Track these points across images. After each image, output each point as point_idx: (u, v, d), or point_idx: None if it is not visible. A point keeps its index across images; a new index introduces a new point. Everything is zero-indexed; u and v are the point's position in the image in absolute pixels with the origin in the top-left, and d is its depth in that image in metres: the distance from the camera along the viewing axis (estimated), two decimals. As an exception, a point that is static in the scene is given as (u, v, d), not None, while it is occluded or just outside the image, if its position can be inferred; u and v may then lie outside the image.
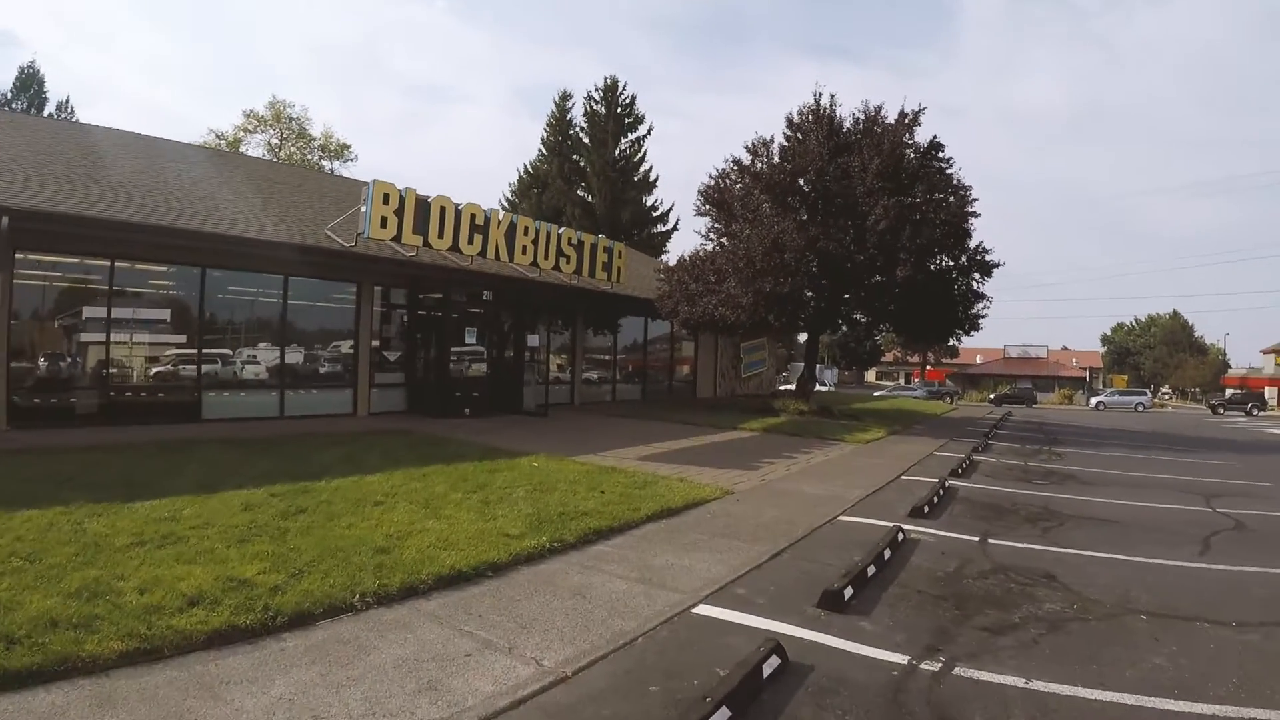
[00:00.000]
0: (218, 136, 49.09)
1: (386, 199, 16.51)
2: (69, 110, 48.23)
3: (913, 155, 21.92)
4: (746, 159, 23.71)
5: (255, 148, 49.27)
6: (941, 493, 10.87)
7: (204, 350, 16.01)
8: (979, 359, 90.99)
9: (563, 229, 20.66)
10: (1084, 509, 10.84)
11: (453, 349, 18.56)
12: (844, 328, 27.34)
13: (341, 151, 51.61)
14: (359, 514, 8.21)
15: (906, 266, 20.33)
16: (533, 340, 20.12)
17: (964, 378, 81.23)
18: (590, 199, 45.42)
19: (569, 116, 47.73)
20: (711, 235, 24.79)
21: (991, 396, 62.14)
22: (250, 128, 49.77)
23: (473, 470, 11.11)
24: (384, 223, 16.45)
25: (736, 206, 22.93)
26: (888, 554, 7.29)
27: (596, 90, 47.08)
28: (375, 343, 18.80)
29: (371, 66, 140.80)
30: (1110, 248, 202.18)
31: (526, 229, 19.15)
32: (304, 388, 17.66)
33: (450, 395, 18.35)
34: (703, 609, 5.86)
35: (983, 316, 23.26)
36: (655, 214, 46.48)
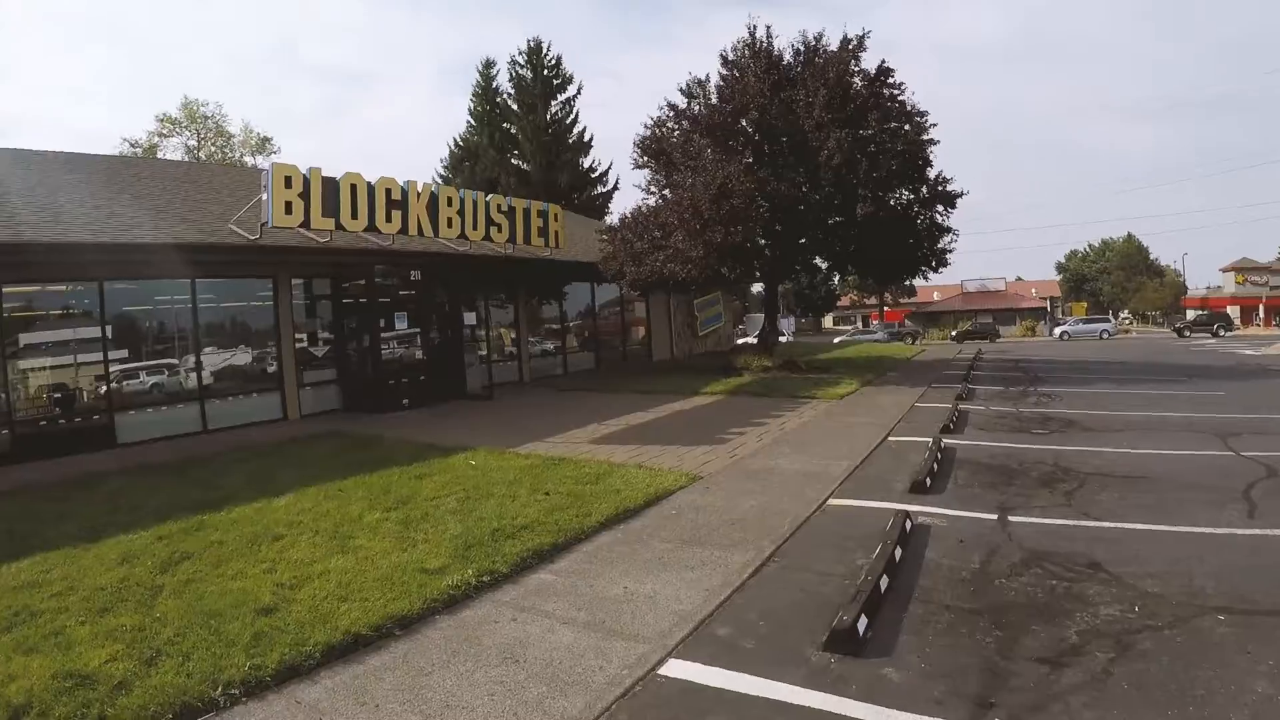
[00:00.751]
0: (131, 145, 45.75)
1: (289, 182, 14.63)
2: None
3: (860, 84, 20.37)
4: (682, 102, 22.03)
5: (173, 151, 46.04)
6: (939, 457, 9.51)
7: (111, 369, 14.17)
8: (937, 296, 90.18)
9: (490, 195, 18.80)
10: (1100, 463, 9.50)
11: (384, 336, 16.85)
12: (803, 275, 25.71)
13: (263, 145, 48.44)
14: (252, 555, 6.75)
15: (866, 203, 18.94)
16: (469, 318, 18.38)
17: (923, 316, 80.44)
18: (525, 166, 43.22)
19: (495, 84, 45.10)
20: (652, 189, 23.16)
21: (953, 334, 61.44)
22: (165, 132, 46.40)
23: (398, 478, 9.58)
24: (289, 208, 14.58)
25: (676, 155, 21.25)
26: (898, 554, 5.86)
27: (521, 54, 44.58)
28: (300, 339, 16.98)
29: (291, 63, 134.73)
30: (1058, 174, 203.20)
31: (450, 199, 17.32)
32: (227, 396, 15.87)
33: (384, 387, 16.66)
34: (673, 667, 4.41)
35: (949, 251, 21.93)
36: (594, 175, 44.32)
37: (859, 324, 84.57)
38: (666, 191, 22.15)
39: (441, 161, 45.24)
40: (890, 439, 11.43)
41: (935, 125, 20.64)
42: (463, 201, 17.58)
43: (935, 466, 8.96)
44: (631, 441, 11.73)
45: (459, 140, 44.80)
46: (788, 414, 14.10)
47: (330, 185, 15.20)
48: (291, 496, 8.95)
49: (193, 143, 47.43)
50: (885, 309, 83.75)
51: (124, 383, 14.54)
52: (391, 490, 8.99)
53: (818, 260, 23.47)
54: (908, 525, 6.56)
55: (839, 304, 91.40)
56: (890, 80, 20.62)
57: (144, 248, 13.41)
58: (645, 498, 8.18)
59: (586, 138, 44.79)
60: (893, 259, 21.38)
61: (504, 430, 13.39)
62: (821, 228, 20.80)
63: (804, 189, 19.16)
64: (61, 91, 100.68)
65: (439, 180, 42.78)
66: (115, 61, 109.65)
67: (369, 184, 15.80)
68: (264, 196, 14.69)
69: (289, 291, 16.65)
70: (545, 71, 44.29)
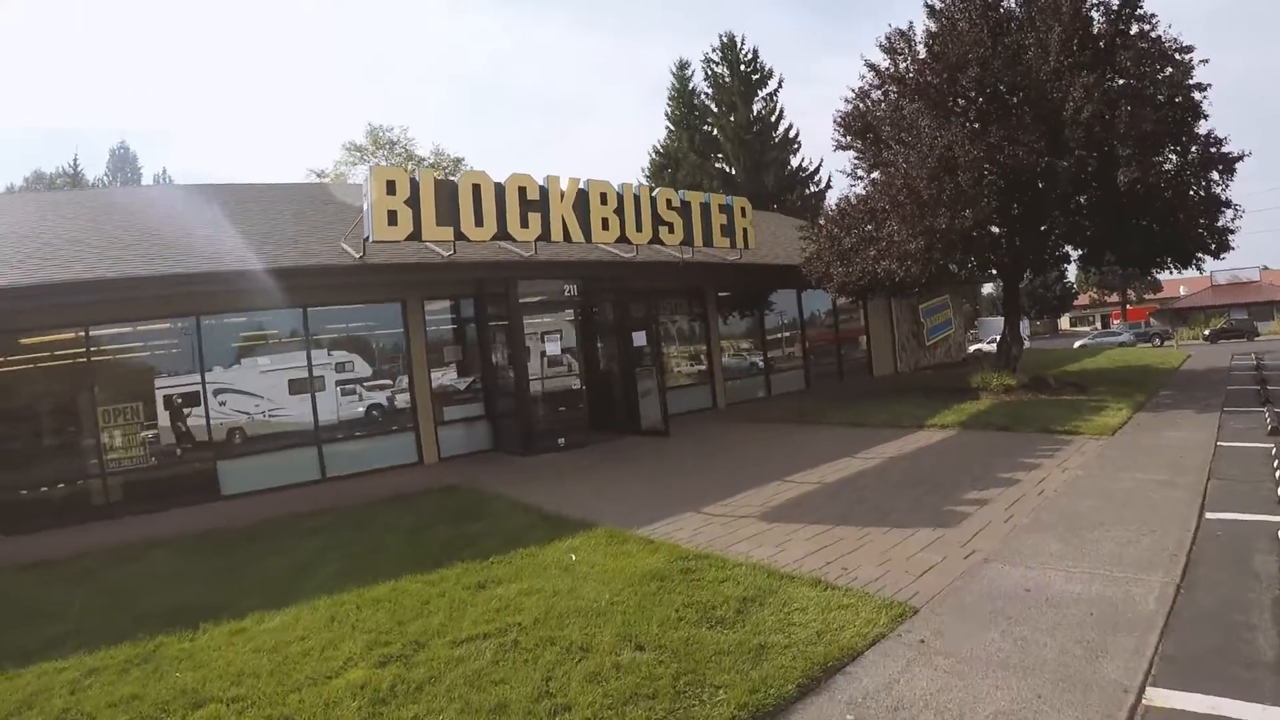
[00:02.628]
0: (318, 175, 45.77)
1: (391, 187, 12.02)
2: (166, 178, 47.81)
3: (1101, 21, 15.19)
4: (883, 61, 17.60)
5: (359, 179, 46.17)
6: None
7: (212, 412, 12.33)
8: (1183, 291, 76.43)
9: (658, 190, 15.41)
10: None
11: (533, 364, 14.00)
12: (1049, 268, 20.05)
13: (455, 167, 48.28)
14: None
15: (1130, 166, 13.81)
16: (639, 339, 15.05)
17: (1169, 314, 68.03)
18: (728, 169, 39.83)
19: (691, 86, 42.11)
20: (859, 173, 18.87)
21: (1206, 332, 51.29)
22: (351, 160, 45.86)
23: (453, 587, 6.42)
24: (392, 218, 11.97)
25: (885, 129, 16.87)
26: None
27: (714, 51, 41.36)
28: (437, 371, 14.43)
29: (500, 91, 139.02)
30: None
31: (605, 196, 14.09)
32: (351, 438, 13.62)
33: (533, 424, 13.74)
34: None
35: (1233, 231, 16.06)
36: (803, 174, 40.12)
37: (1098, 324, 73.70)
38: (876, 175, 17.86)
39: (643, 171, 42.74)
40: (1209, 516, 6.80)
41: (1205, 62, 15.06)
42: (621, 198, 14.31)
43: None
44: (820, 518, 7.86)
45: (658, 147, 42.16)
46: (1045, 462, 9.56)
47: (445, 189, 12.48)
48: (293, 612, 6.11)
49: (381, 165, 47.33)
50: (1128, 307, 72.40)
51: (230, 425, 12.73)
52: (427, 610, 5.82)
53: (1067, 249, 18.18)
54: None
55: (1076, 303, 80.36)
56: (1140, 12, 15.25)
57: (221, 276, 11.47)
58: (806, 670, 4.38)
59: (792, 134, 40.77)
60: (1162, 243, 15.88)
61: (654, 490, 10.01)
62: (1069, 206, 15.75)
63: (1045, 157, 14.31)
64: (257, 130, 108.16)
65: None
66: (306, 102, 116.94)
67: (497, 184, 12.92)
68: (365, 206, 12.20)
69: (420, 315, 14.20)
70: (742, 67, 40.85)
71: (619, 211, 14.22)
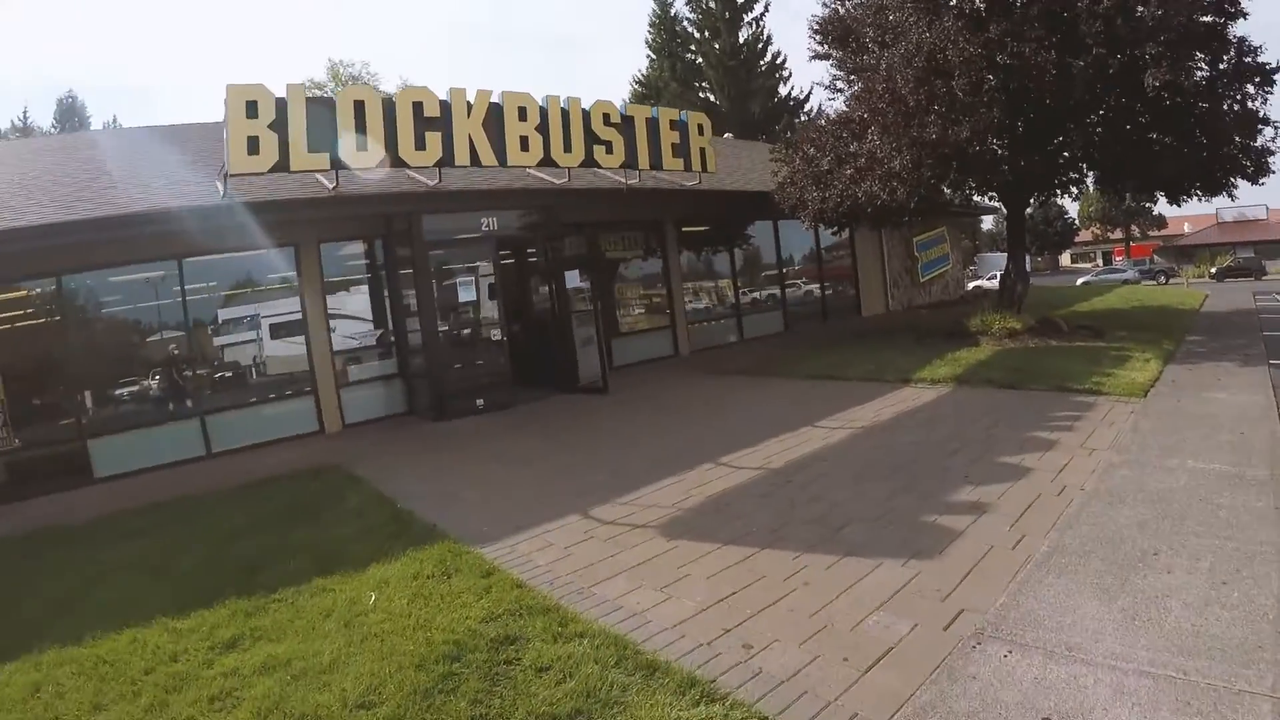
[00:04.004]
0: None
1: (253, 109, 9.51)
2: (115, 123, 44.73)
3: None
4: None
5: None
6: None
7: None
8: (1188, 228, 72.35)
9: (594, 103, 12.68)
10: None
11: (441, 312, 11.54)
12: (1061, 191, 17.06)
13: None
14: None
15: (1161, 68, 11.07)
16: (572, 279, 12.50)
17: (1172, 251, 64.48)
18: (712, 98, 36.65)
19: (673, 11, 38.71)
20: (838, 85, 16.05)
21: (1213, 270, 48.49)
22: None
23: (206, 637, 4.56)
24: (253, 146, 9.49)
25: (868, 32, 14.08)
26: None
27: (696, -28, 37.86)
28: (331, 325, 11.95)
29: (498, 34, 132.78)
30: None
31: (522, 110, 11.38)
32: (240, 407, 11.23)
33: (443, 384, 11.33)
34: None
35: (1273, 153, 13.26)
36: (792, 103, 36.91)
37: (1099, 261, 70.19)
38: (856, 87, 15.06)
39: (622, 103, 39.49)
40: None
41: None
42: (545, 113, 11.63)
43: None
44: (743, 532, 5.46)
45: (639, 78, 38.93)
46: (1063, 438, 7.08)
47: (321, 108, 10.04)
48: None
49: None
50: (1130, 244, 68.90)
51: (95, 403, 10.37)
52: (136, 688, 3.96)
53: (1083, 169, 15.38)
54: None
55: (1077, 239, 76.61)
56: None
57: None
58: None
59: (779, 60, 37.50)
60: (1191, 164, 13.02)
61: (552, 473, 7.68)
62: (1084, 119, 13.00)
63: (1054, 53, 11.57)
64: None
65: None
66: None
67: (386, 98, 10.36)
68: (224, 134, 9.63)
69: (315, 261, 11.63)
70: (727, -11, 37.34)
71: (542, 130, 11.57)
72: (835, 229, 17.55)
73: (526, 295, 13.86)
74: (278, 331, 11.75)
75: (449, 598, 4.61)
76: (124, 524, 7.26)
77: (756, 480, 6.72)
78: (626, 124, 12.79)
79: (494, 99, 11.17)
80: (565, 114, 11.85)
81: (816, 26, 15.46)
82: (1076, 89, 11.87)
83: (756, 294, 18.76)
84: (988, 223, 62.65)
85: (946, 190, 14.47)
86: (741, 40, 37.27)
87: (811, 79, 62.28)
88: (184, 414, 10.76)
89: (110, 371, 10.53)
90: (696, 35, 38.11)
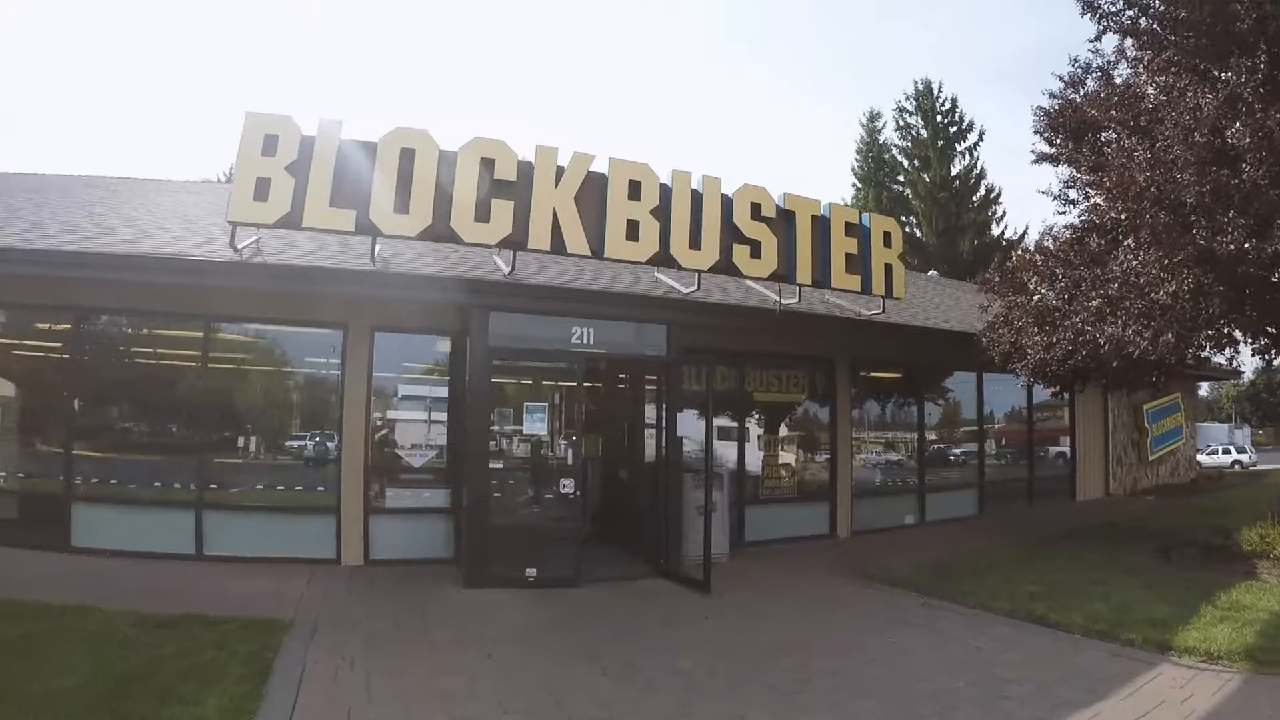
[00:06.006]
0: None
1: (271, 145, 7.05)
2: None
3: None
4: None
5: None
6: None
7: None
8: None
9: (740, 188, 9.02)
10: None
11: (499, 441, 8.29)
12: None
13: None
14: None
15: None
16: (689, 424, 8.90)
17: None
18: (918, 232, 32.62)
19: (880, 139, 35.40)
20: (1070, 194, 11.63)
21: None
22: None
23: None
24: (262, 190, 6.98)
25: (1115, 115, 9.74)
26: None
27: (908, 99, 34.56)
28: (377, 429, 8.98)
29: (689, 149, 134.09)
30: None
31: (636, 185, 8.11)
32: (245, 509, 8.55)
33: (484, 537, 7.92)
34: None
35: None
36: (1004, 242, 32.00)
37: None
38: (1098, 200, 10.67)
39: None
40: None
41: None
42: (667, 192, 8.35)
43: None
44: None
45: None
46: None
47: (359, 153, 7.21)
48: None
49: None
50: None
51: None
52: None
53: None
54: None
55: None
56: None
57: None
58: None
59: (994, 195, 33.16)
60: None
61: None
62: None
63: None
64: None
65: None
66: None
67: (444, 153, 7.46)
68: (233, 171, 7.13)
69: (366, 352, 8.81)
70: (938, 117, 33.73)
71: (662, 215, 8.24)
72: (1055, 388, 12.85)
73: (627, 435, 10.34)
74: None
75: None
76: None
77: None
78: (784, 221, 9.22)
79: (596, 167, 8.01)
80: (697, 197, 8.49)
81: (1044, 120, 11.35)
82: None
83: (946, 465, 14.14)
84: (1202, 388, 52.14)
85: (1238, 335, 9.62)
86: (954, 172, 33.41)
87: (1027, 218, 55.20)
88: (180, 501, 8.36)
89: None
90: (905, 164, 34.58)
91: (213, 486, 8.50)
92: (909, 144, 34.41)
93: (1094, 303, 8.72)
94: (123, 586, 6.86)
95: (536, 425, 8.52)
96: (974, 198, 33.12)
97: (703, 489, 8.29)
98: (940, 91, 34.21)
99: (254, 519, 8.59)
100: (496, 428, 8.48)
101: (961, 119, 33.82)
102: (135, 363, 9.06)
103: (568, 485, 8.15)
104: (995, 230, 33.13)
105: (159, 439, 8.95)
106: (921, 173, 33.46)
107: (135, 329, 8.96)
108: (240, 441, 8.93)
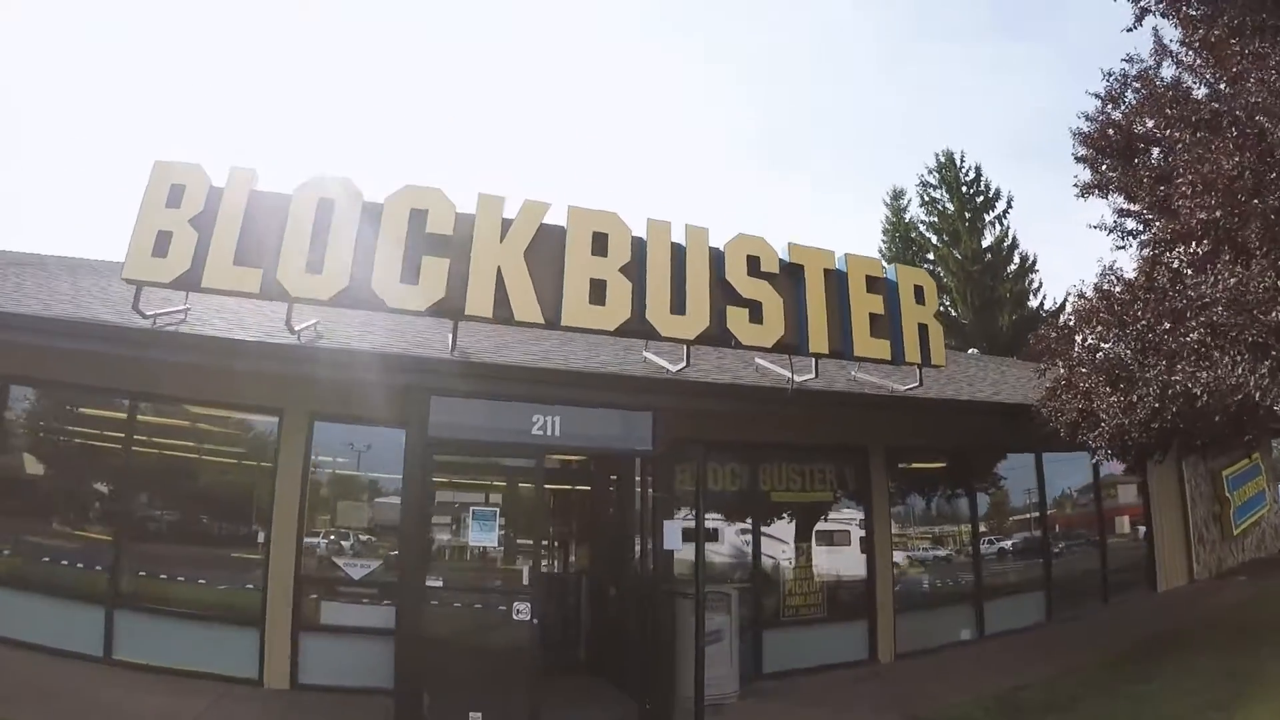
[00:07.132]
0: None
1: (177, 196, 5.91)
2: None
3: None
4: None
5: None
6: None
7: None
8: None
9: (733, 239, 7.41)
10: None
11: (440, 554, 6.66)
12: None
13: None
14: None
15: None
16: (672, 537, 7.14)
17: None
18: (954, 311, 30.78)
19: (907, 217, 33.94)
20: (1127, 226, 9.78)
21: None
22: None
23: None
24: (162, 244, 5.73)
25: (1169, 113, 8.06)
26: None
27: (930, 172, 32.96)
28: (313, 539, 7.40)
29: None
30: None
31: (601, 238, 6.50)
32: (164, 613, 7.13)
33: (423, 675, 6.19)
34: None
35: None
36: (1044, 314, 29.93)
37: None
38: (1154, 219, 8.82)
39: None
40: None
41: None
42: (641, 246, 6.88)
43: None
44: None
45: (873, 289, 33.90)
46: None
47: (274, 205, 5.93)
48: None
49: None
50: None
51: None
52: None
53: None
54: None
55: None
56: None
57: None
58: None
59: (1030, 263, 31.54)
60: None
61: None
62: None
63: None
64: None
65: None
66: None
67: (369, 204, 6.15)
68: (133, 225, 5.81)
69: (304, 442, 7.34)
70: (963, 188, 32.23)
71: (633, 273, 6.72)
72: (1129, 460, 10.80)
73: (617, 545, 8.56)
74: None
75: None
76: None
77: None
78: (790, 277, 7.63)
79: (553, 218, 6.56)
80: (679, 251, 6.96)
81: (1084, 142, 9.70)
82: None
83: (1004, 564, 11.98)
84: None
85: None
86: (985, 244, 31.72)
87: (1065, 286, 51.91)
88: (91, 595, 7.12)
89: None
90: (934, 240, 32.98)
91: (127, 579, 7.15)
92: (935, 219, 32.81)
93: (1192, 335, 6.79)
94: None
95: (485, 535, 6.80)
96: (1008, 269, 31.26)
97: (687, 615, 6.48)
98: (963, 162, 32.82)
99: (170, 624, 7.15)
100: (439, 536, 6.84)
101: (988, 188, 32.23)
102: (55, 439, 7.94)
103: (522, 610, 6.35)
104: (1033, 302, 31.17)
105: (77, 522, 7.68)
106: (952, 248, 31.73)
107: (57, 402, 7.89)
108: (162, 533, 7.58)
